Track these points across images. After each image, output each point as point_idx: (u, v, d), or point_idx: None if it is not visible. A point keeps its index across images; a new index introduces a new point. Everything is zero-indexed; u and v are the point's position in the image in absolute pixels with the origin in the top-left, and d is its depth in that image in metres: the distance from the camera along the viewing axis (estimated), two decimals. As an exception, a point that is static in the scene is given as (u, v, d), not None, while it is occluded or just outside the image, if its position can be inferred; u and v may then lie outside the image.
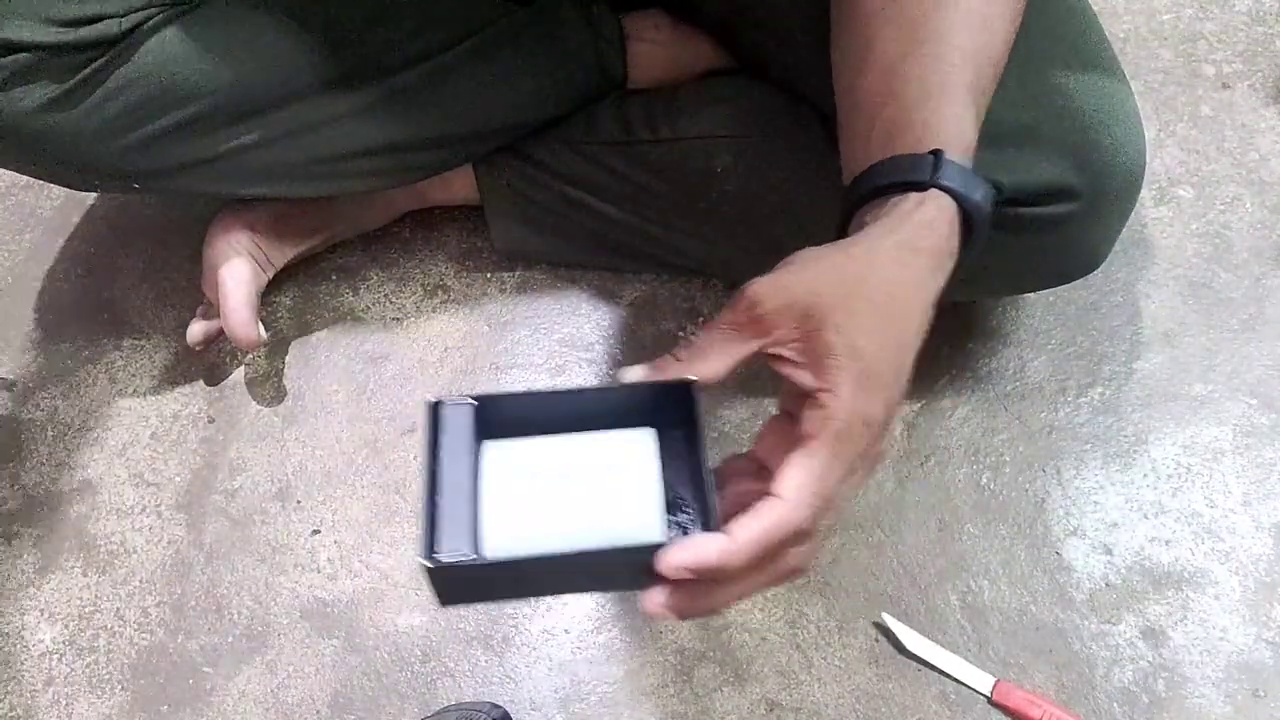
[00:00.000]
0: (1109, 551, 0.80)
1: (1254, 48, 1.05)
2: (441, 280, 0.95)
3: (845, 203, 0.54)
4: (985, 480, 0.84)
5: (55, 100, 0.70)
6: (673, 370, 0.49)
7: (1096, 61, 0.70)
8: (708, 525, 0.46)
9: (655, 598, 0.45)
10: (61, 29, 0.68)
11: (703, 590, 0.45)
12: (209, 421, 0.89)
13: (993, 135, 0.66)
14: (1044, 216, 0.68)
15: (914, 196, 0.51)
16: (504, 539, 0.46)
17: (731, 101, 0.84)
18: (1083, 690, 0.75)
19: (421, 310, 0.94)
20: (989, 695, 0.74)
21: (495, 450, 0.49)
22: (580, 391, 0.56)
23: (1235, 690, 0.74)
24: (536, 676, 0.77)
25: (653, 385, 0.50)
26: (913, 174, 0.51)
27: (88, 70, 0.70)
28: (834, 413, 0.45)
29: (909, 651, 0.76)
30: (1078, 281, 0.79)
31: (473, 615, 0.80)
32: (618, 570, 0.48)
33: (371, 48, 0.78)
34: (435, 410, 0.48)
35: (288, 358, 0.91)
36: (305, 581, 0.82)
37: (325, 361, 0.91)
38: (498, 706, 0.74)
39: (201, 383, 0.91)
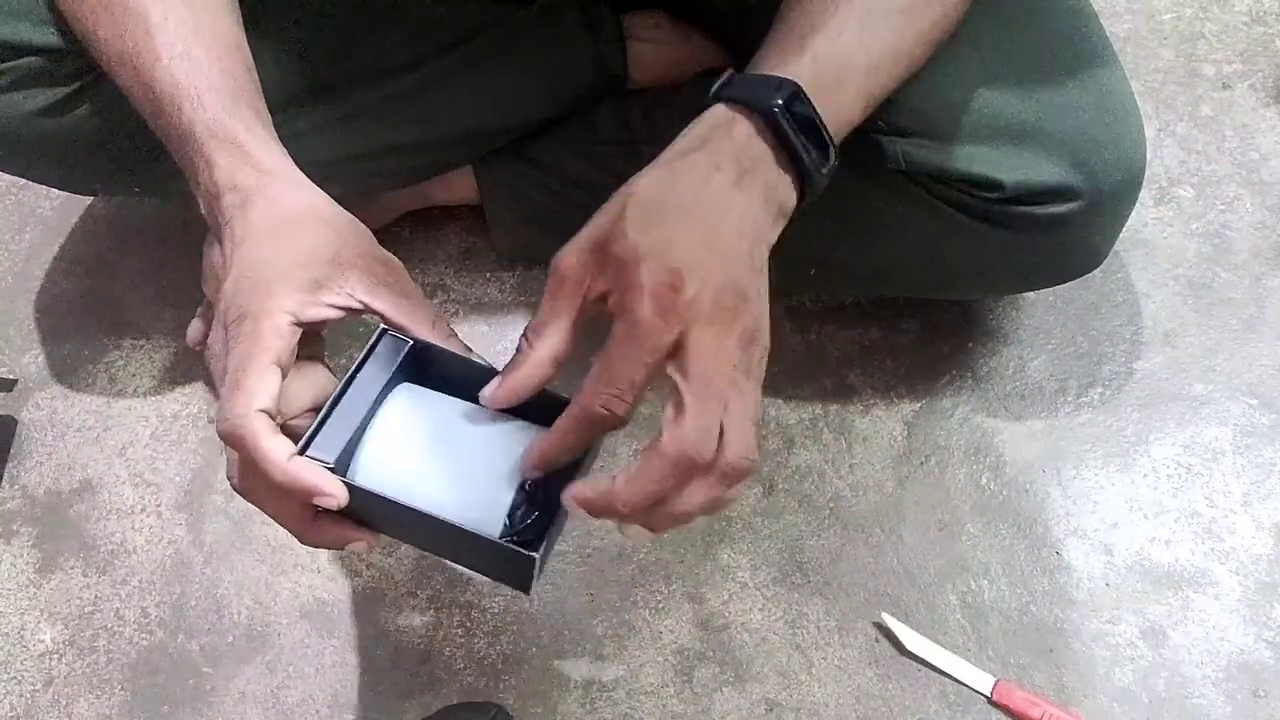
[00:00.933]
0: (1109, 551, 0.80)
1: (1254, 48, 1.05)
2: (441, 280, 0.95)
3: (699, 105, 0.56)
4: (985, 480, 0.84)
5: (56, 104, 0.70)
6: (525, 367, 0.51)
7: (1096, 59, 0.70)
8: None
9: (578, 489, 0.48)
10: (63, 31, 0.68)
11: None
12: (209, 421, 0.89)
13: (993, 134, 0.67)
14: (1044, 216, 0.68)
15: (742, 119, 0.52)
16: (369, 470, 0.50)
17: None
18: (1083, 690, 0.75)
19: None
20: (989, 695, 0.74)
21: (407, 393, 0.53)
22: None
23: (1235, 690, 0.74)
24: (537, 676, 0.77)
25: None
26: (749, 94, 0.53)
27: (89, 75, 0.70)
28: (630, 303, 0.47)
29: (909, 651, 0.76)
30: (1078, 281, 0.79)
31: (472, 615, 0.80)
32: (459, 546, 0.50)
33: (372, 50, 0.78)
34: (378, 337, 0.52)
35: (288, 358, 0.91)
36: (305, 581, 0.82)
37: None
38: (498, 706, 0.74)
39: (201, 383, 0.91)
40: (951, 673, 0.75)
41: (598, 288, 0.50)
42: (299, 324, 0.50)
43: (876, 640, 0.78)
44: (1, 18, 0.68)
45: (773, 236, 0.52)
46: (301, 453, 0.48)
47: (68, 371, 0.92)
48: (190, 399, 0.90)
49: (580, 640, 0.79)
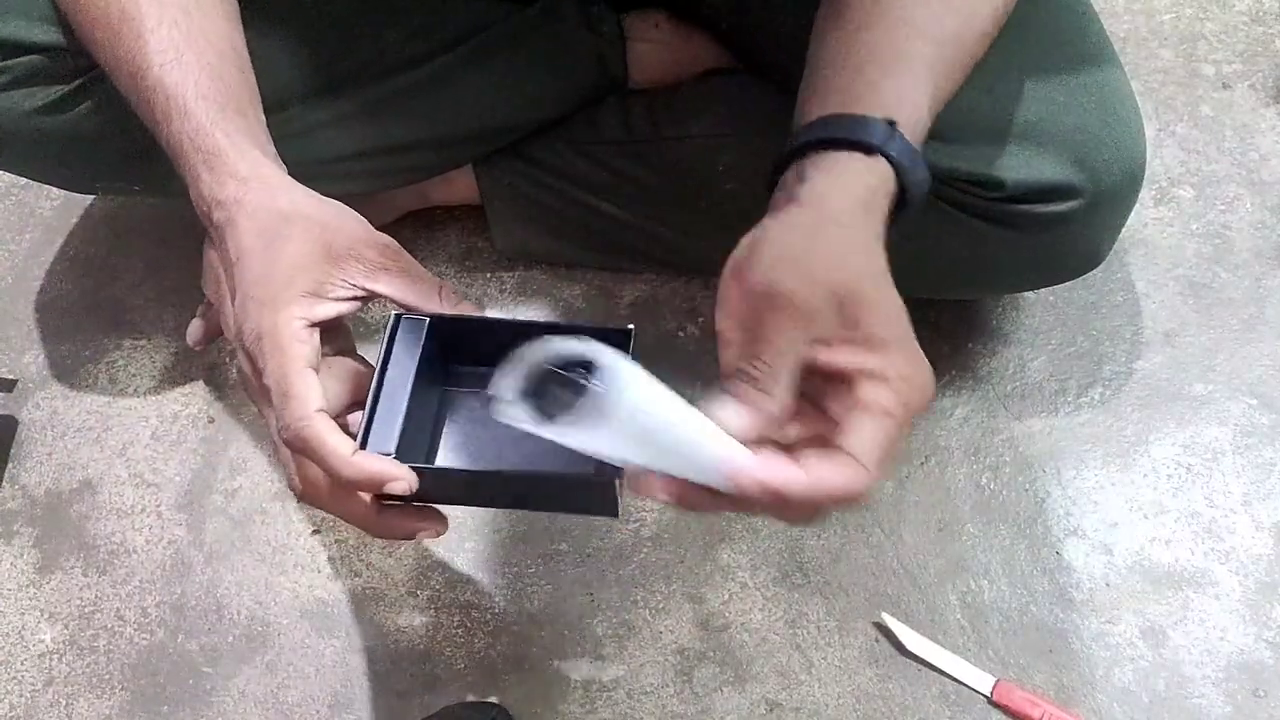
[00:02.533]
0: (1109, 551, 0.80)
1: (1254, 48, 1.05)
2: (442, 280, 0.95)
3: (787, 149, 0.53)
4: (985, 480, 0.84)
5: (56, 103, 0.70)
6: (756, 415, 0.47)
7: (1097, 60, 0.70)
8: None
9: (668, 486, 0.47)
10: (63, 29, 0.68)
11: (716, 500, 0.47)
12: (209, 421, 0.89)
13: (994, 133, 0.67)
14: (1045, 214, 0.68)
15: (861, 158, 0.50)
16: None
17: (732, 101, 0.84)
18: (1083, 690, 0.75)
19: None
20: (989, 695, 0.74)
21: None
22: (530, 324, 0.61)
23: (1235, 690, 0.74)
24: (537, 676, 0.77)
25: (594, 329, 0.51)
26: (863, 135, 0.51)
27: (90, 73, 0.70)
28: (901, 389, 0.46)
29: (909, 651, 0.76)
30: (1078, 281, 0.79)
31: (472, 615, 0.80)
32: (540, 492, 0.55)
33: (372, 49, 0.78)
34: (395, 322, 0.55)
35: (288, 358, 0.91)
36: (305, 581, 0.82)
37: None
38: (498, 706, 0.74)
39: (201, 383, 0.91)
40: (951, 673, 0.75)
41: (826, 331, 0.47)
42: (314, 325, 0.51)
43: (876, 640, 0.78)
44: (1, 16, 0.68)
45: None
46: (362, 448, 0.51)
47: (68, 371, 0.92)
48: (190, 399, 0.90)
49: (580, 640, 0.79)
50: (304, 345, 0.50)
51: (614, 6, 0.87)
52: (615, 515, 0.54)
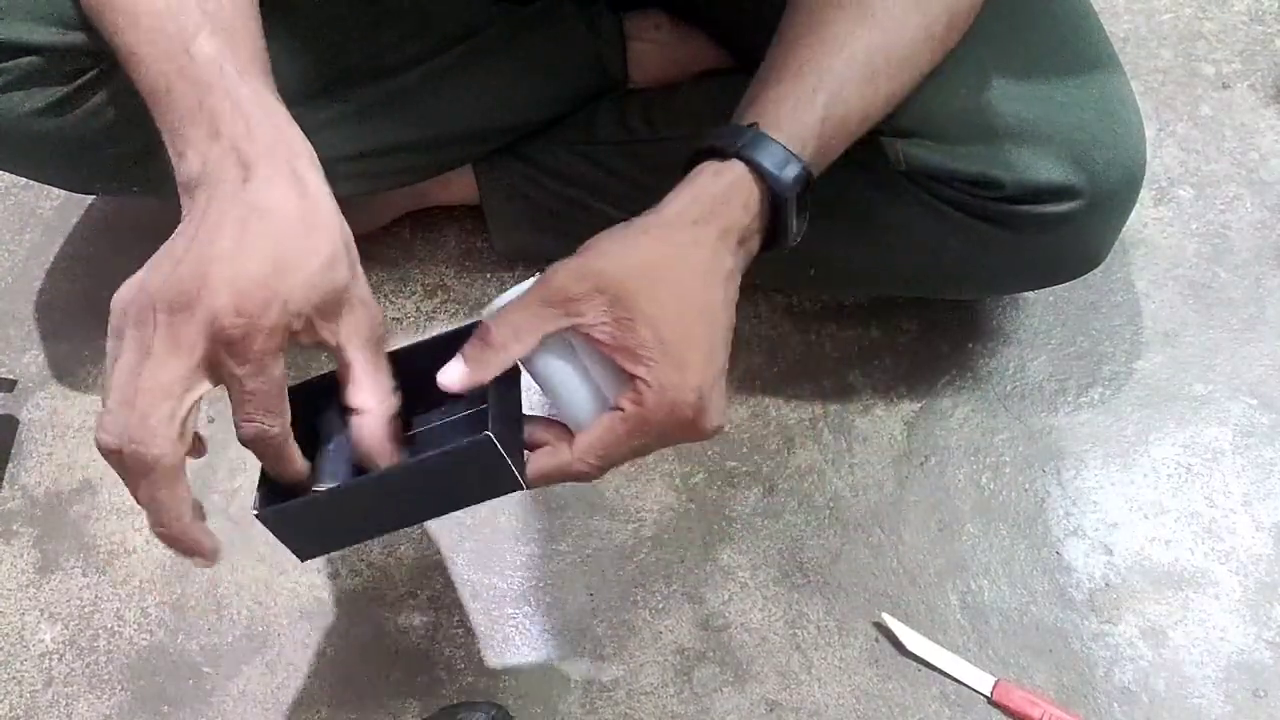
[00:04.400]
0: (1109, 551, 0.80)
1: (1254, 48, 1.05)
2: (441, 280, 0.95)
3: (683, 161, 0.58)
4: (985, 480, 0.84)
5: (56, 104, 0.70)
6: (491, 360, 0.53)
7: (1097, 59, 0.70)
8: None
9: None
10: (63, 30, 0.68)
11: None
12: (209, 421, 0.89)
13: (994, 133, 0.67)
14: (1045, 215, 0.68)
15: (715, 165, 0.55)
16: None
17: (732, 101, 0.84)
18: (1083, 690, 0.75)
19: (421, 310, 0.94)
20: (989, 695, 0.74)
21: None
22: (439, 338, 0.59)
23: (1235, 690, 0.74)
24: (537, 676, 0.77)
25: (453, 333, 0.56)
26: (720, 140, 0.55)
27: (89, 74, 0.70)
28: (644, 400, 0.52)
29: (909, 651, 0.76)
30: (1078, 281, 0.79)
31: (471, 615, 0.80)
32: (432, 487, 0.54)
33: (371, 50, 0.78)
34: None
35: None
36: (305, 581, 0.82)
37: (325, 362, 0.90)
38: (498, 706, 0.74)
39: (201, 383, 0.91)
40: (951, 673, 0.75)
41: (589, 317, 0.52)
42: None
43: (876, 640, 0.78)
44: (1, 17, 0.68)
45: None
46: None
47: (68, 371, 0.92)
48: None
49: (580, 640, 0.79)
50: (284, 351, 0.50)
51: (614, 7, 0.87)
52: (522, 487, 0.54)
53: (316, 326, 0.50)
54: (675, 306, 0.52)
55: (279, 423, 0.49)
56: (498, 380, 0.53)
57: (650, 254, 0.53)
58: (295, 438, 0.51)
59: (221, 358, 0.48)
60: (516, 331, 0.53)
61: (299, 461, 0.51)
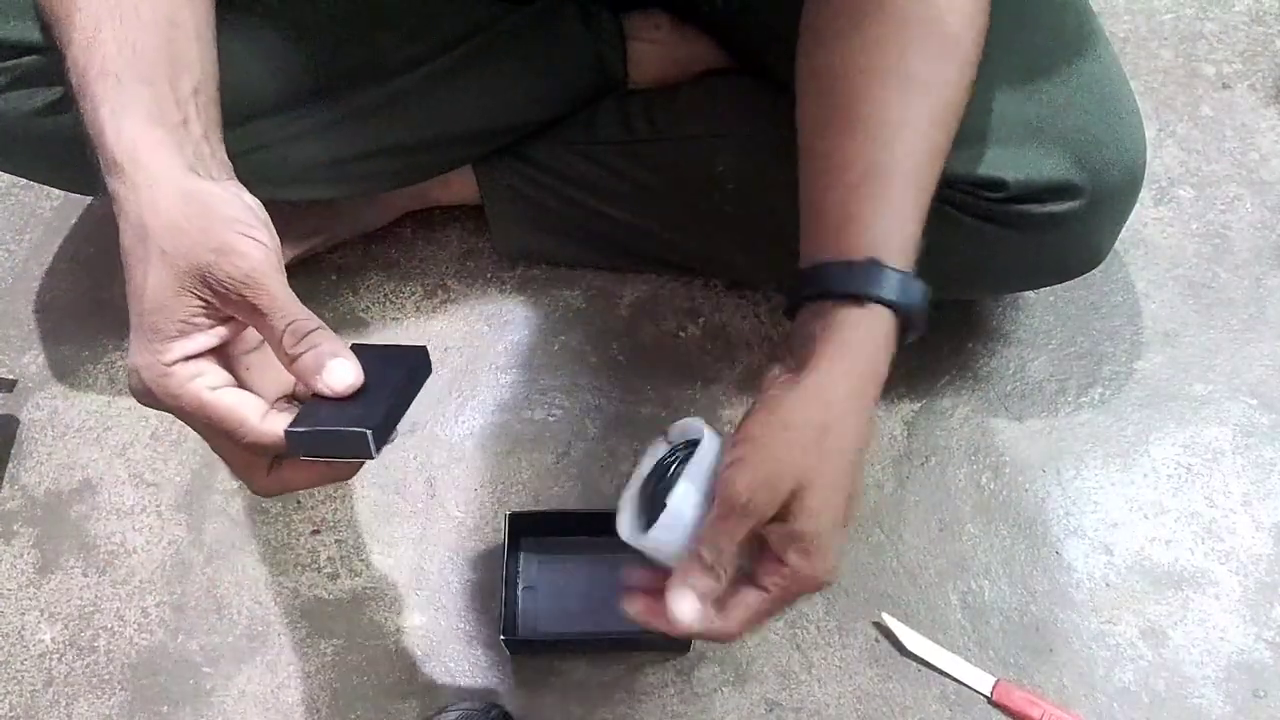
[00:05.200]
0: (1109, 551, 0.80)
1: (1254, 48, 1.05)
2: (441, 280, 0.95)
3: (791, 293, 0.58)
4: (985, 480, 0.84)
5: (56, 103, 0.70)
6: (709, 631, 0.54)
7: (1097, 60, 0.70)
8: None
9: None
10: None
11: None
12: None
13: (995, 133, 0.67)
14: (1046, 214, 0.68)
15: (854, 313, 0.55)
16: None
17: (732, 101, 0.84)
18: (1083, 690, 0.75)
19: (421, 310, 0.94)
20: (989, 695, 0.74)
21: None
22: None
23: (1235, 690, 0.74)
24: (537, 677, 0.77)
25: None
26: (850, 285, 0.55)
27: None
28: (789, 588, 0.53)
29: (909, 651, 0.76)
30: (1078, 281, 0.79)
31: (471, 615, 0.80)
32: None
33: (371, 51, 0.78)
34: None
35: (288, 358, 0.91)
36: (305, 581, 0.82)
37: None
38: (498, 706, 0.74)
39: (201, 383, 0.91)
40: (951, 673, 0.75)
41: (764, 515, 0.53)
42: (197, 357, 0.50)
43: (876, 640, 0.78)
44: (1, 16, 0.68)
45: None
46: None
47: (68, 371, 0.92)
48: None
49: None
50: (200, 381, 0.49)
51: (613, 7, 0.87)
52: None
53: (211, 316, 0.50)
54: (838, 495, 0.53)
55: (243, 433, 0.49)
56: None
57: (812, 423, 0.54)
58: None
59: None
60: (720, 556, 0.53)
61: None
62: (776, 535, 0.52)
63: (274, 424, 0.49)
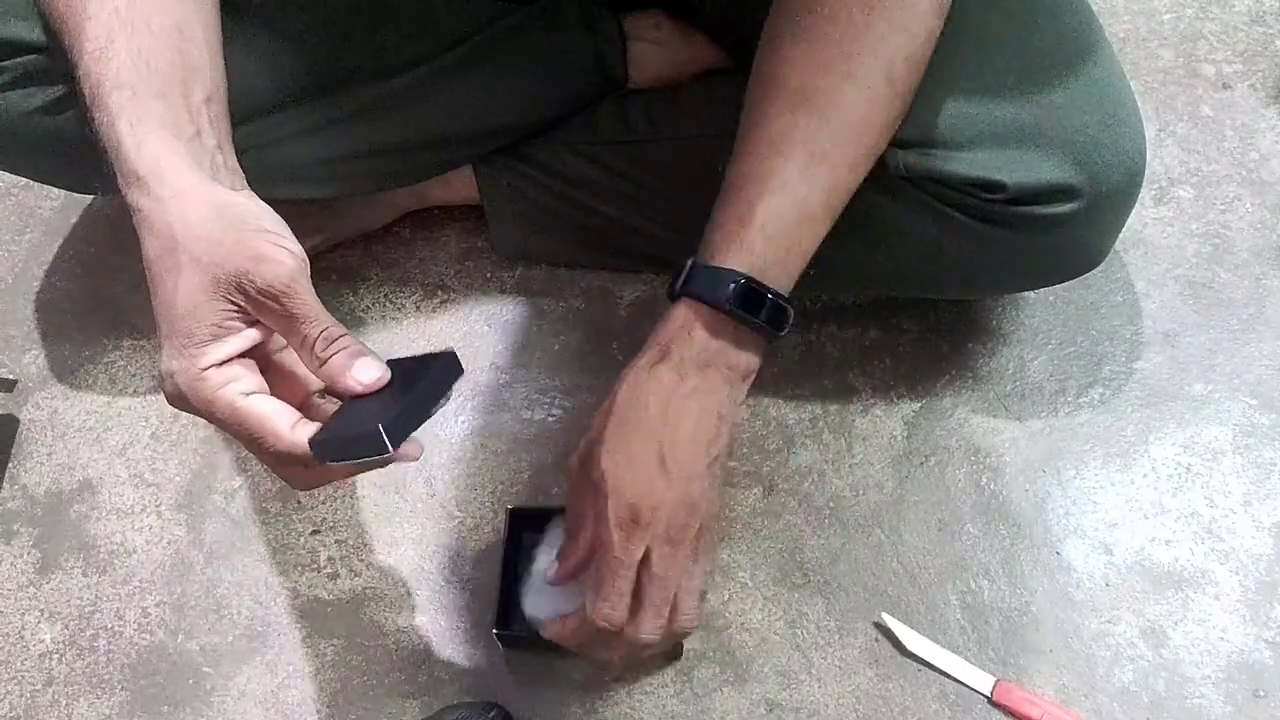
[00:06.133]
0: (1109, 551, 0.80)
1: (1254, 48, 1.05)
2: (441, 280, 0.95)
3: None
4: (985, 480, 0.84)
5: (56, 102, 0.70)
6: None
7: (1097, 60, 0.70)
8: None
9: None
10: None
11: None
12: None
13: (994, 135, 0.67)
14: (1045, 215, 0.68)
15: (670, 308, 0.63)
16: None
17: (732, 101, 0.84)
18: (1083, 690, 0.75)
19: (421, 310, 0.94)
20: (989, 695, 0.74)
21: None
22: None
23: (1235, 690, 0.74)
24: (537, 676, 0.77)
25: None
26: (668, 286, 0.64)
27: None
28: (601, 531, 0.62)
29: (909, 651, 0.76)
30: (1078, 281, 0.79)
31: (471, 615, 0.80)
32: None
33: (371, 50, 0.78)
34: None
35: (288, 358, 0.91)
36: (305, 581, 0.82)
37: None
38: (498, 706, 0.74)
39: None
40: (951, 673, 0.75)
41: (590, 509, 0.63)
42: (229, 362, 0.51)
43: (876, 640, 0.78)
44: (1, 16, 0.68)
45: (738, 402, 0.64)
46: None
47: (68, 371, 0.92)
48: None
49: (580, 640, 0.79)
50: (233, 387, 0.50)
51: (613, 7, 0.87)
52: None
53: (242, 320, 0.51)
54: (625, 441, 0.61)
55: (271, 443, 0.51)
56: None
57: (613, 406, 0.63)
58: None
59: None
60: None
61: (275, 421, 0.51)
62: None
63: (302, 435, 0.50)
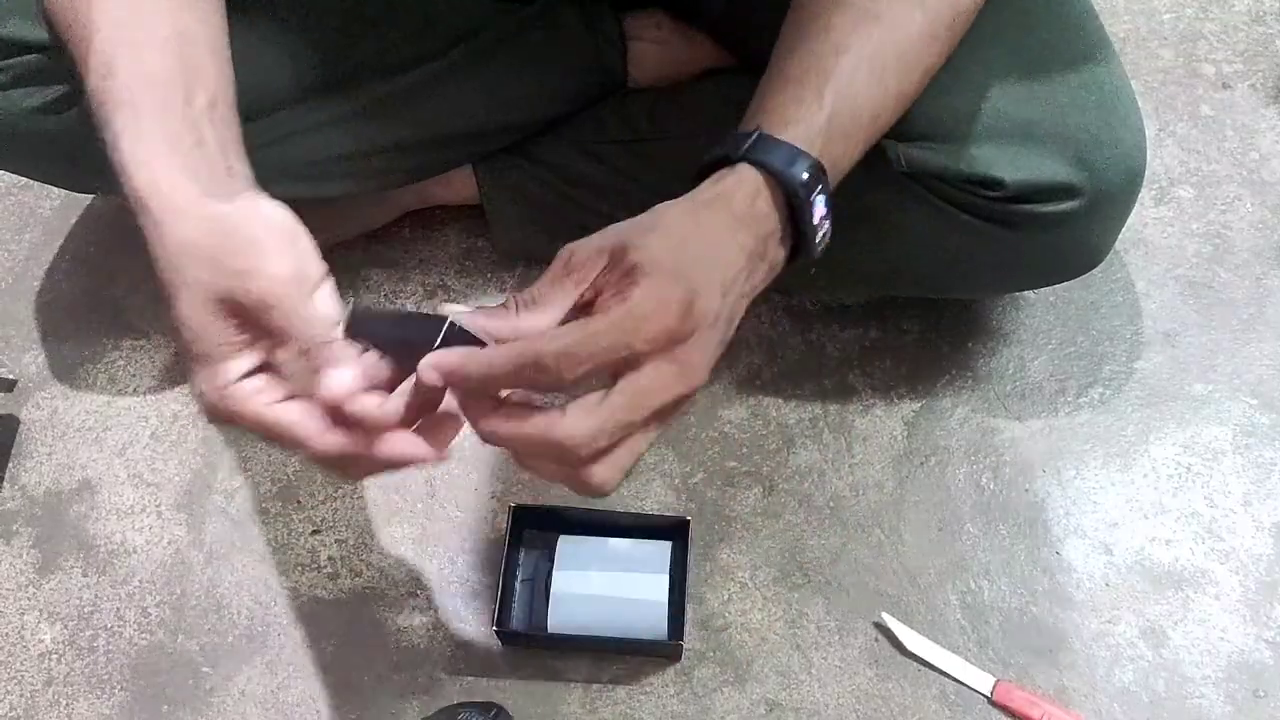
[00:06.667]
0: (1109, 551, 0.80)
1: (1254, 48, 1.05)
2: (441, 280, 0.95)
3: (690, 178, 0.57)
4: (985, 480, 0.84)
5: (57, 101, 0.70)
6: (508, 323, 0.50)
7: (1097, 59, 0.70)
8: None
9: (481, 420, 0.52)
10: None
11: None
12: (209, 421, 0.89)
13: (995, 132, 0.67)
14: (1046, 214, 0.68)
15: (720, 173, 0.54)
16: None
17: (733, 100, 0.84)
18: (1083, 690, 0.75)
19: (421, 310, 0.94)
20: (989, 695, 0.74)
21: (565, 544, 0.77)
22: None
23: (1235, 690, 0.74)
24: (537, 676, 0.77)
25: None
26: (724, 148, 0.55)
27: None
28: (629, 296, 0.48)
29: (909, 651, 0.76)
30: (1078, 281, 0.79)
31: (471, 615, 0.80)
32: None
33: (372, 48, 0.78)
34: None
35: (288, 358, 0.91)
36: (305, 581, 0.82)
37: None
38: (498, 706, 0.74)
39: (201, 383, 0.91)
40: (951, 673, 0.75)
41: (599, 286, 0.50)
42: (252, 374, 0.51)
43: (876, 640, 0.78)
44: (1, 16, 0.68)
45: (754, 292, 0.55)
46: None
47: (68, 371, 0.92)
48: (190, 399, 0.90)
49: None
50: (259, 399, 0.50)
51: (614, 6, 0.87)
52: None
53: (253, 319, 0.50)
54: (670, 240, 0.50)
55: (304, 443, 0.50)
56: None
57: (659, 219, 0.52)
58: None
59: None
60: (536, 308, 0.50)
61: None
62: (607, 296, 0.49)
63: (332, 440, 0.50)
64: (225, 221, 0.51)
